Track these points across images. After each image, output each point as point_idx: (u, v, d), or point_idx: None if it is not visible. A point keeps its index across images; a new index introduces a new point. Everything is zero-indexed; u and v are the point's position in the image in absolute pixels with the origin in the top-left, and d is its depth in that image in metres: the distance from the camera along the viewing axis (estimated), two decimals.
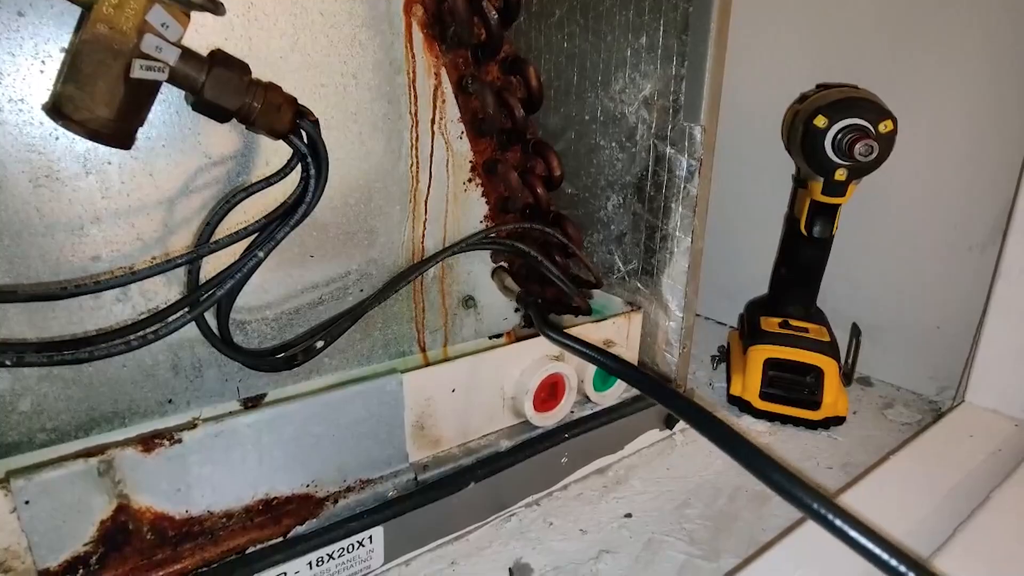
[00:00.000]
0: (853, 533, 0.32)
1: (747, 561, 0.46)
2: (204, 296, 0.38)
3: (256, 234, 0.41)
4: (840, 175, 0.59)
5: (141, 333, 0.36)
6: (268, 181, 0.41)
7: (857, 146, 0.54)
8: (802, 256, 0.70)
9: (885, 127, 0.56)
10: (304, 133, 0.40)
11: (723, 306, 0.93)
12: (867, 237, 0.76)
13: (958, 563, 0.42)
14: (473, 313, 0.65)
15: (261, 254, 0.39)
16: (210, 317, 0.45)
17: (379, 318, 0.58)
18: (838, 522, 0.32)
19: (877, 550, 0.31)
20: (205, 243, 0.38)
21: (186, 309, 0.38)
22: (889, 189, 0.72)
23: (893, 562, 0.31)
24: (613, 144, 0.68)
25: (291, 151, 0.42)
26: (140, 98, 0.34)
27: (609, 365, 0.46)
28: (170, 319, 0.37)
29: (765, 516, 0.55)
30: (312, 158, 0.40)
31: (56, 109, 0.32)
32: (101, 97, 0.32)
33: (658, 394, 0.42)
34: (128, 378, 0.47)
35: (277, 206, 0.41)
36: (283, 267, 0.52)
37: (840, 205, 0.64)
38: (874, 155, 0.54)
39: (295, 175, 0.43)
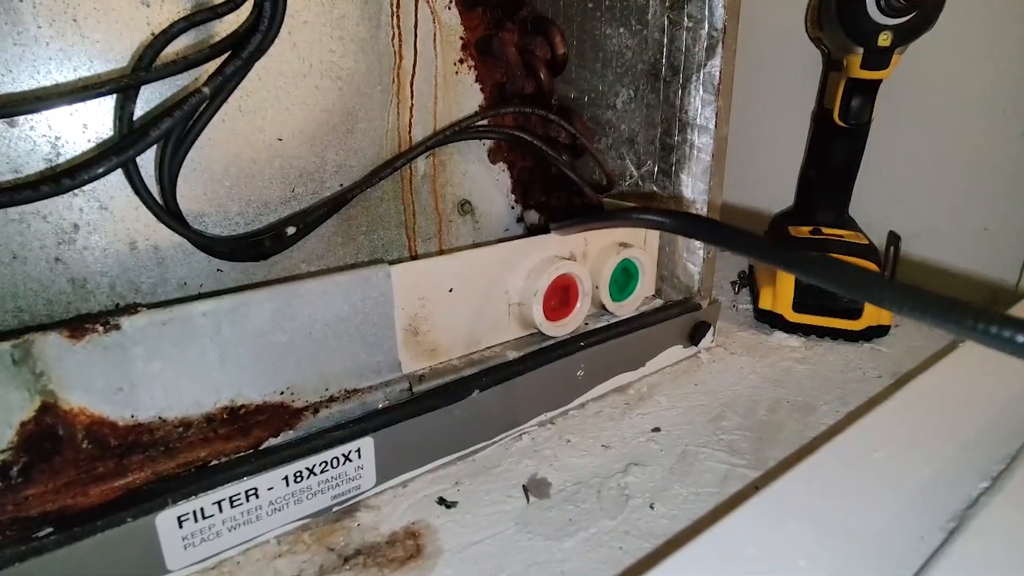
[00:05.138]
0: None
1: (797, 457, 0.39)
2: (136, 139, 0.31)
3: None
4: (884, 39, 0.52)
5: (53, 178, 0.29)
6: (215, 11, 0.34)
7: None
8: (835, 151, 0.63)
9: None
10: None
11: None
12: (898, 135, 0.68)
13: None
14: (470, 220, 0.58)
15: (207, 90, 0.32)
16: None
17: (363, 220, 0.51)
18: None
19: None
20: (137, 72, 0.31)
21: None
22: (922, 73, 0.64)
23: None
24: (621, 30, 0.60)
25: None
26: None
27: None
28: (93, 164, 0.30)
29: (812, 425, 0.49)
30: None
31: None
32: None
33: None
34: (65, 275, 0.40)
35: (227, 35, 0.34)
36: (246, 151, 0.44)
37: (880, 83, 0.57)
38: None
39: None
